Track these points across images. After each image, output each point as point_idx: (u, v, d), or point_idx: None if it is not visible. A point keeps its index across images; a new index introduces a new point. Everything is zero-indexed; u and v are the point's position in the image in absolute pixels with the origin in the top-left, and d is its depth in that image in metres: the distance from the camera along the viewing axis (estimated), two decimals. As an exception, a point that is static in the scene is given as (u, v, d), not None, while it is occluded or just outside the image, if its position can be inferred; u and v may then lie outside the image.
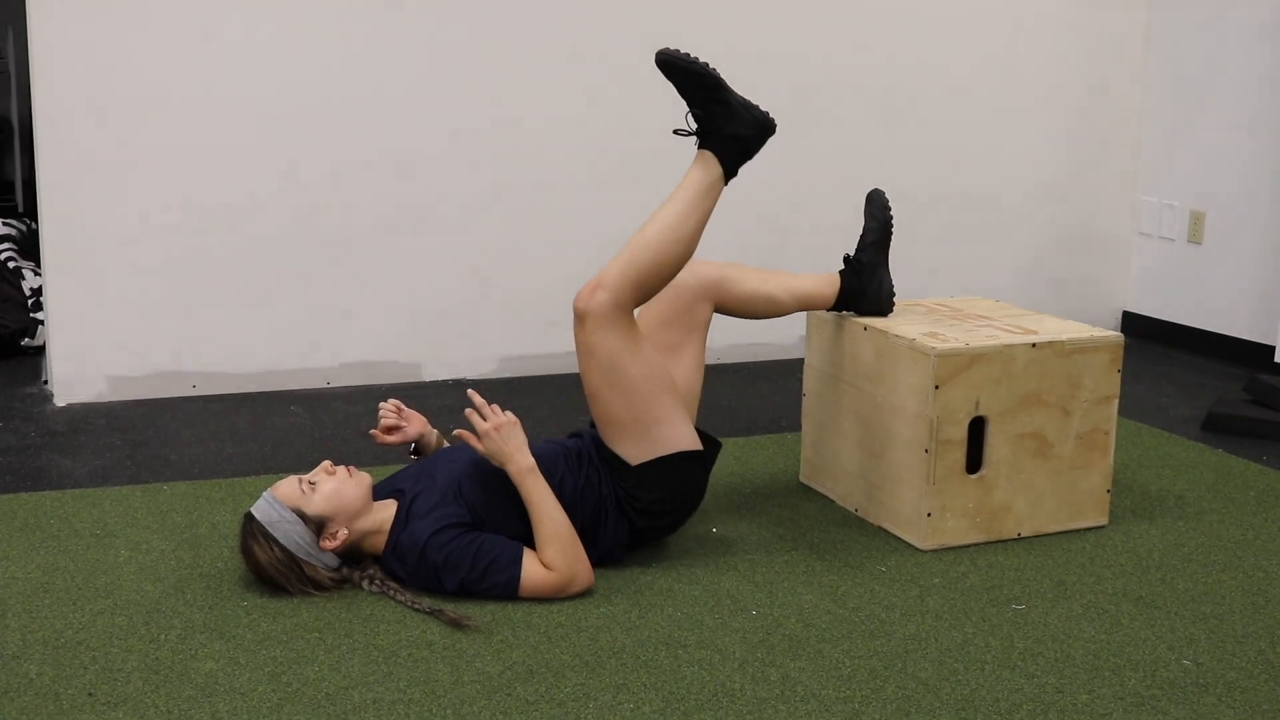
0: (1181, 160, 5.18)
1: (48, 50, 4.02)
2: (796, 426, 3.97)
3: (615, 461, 2.89)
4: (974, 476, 3.11)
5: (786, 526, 3.24)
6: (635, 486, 2.88)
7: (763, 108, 2.95)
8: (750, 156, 2.96)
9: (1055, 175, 5.27)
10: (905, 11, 4.90)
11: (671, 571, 2.94)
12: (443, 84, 4.41)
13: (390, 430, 3.06)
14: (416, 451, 3.13)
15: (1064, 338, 3.16)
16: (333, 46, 4.29)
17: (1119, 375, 3.22)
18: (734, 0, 4.64)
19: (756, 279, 3.14)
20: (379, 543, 2.80)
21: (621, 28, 4.48)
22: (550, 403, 4.28)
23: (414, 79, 4.38)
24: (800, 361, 4.65)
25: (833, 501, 3.41)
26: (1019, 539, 3.18)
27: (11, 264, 4.98)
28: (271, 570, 2.72)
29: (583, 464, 2.91)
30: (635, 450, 2.87)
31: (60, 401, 4.19)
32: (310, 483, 2.75)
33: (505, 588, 2.72)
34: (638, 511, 2.89)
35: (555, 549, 2.74)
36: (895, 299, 3.35)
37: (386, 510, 2.82)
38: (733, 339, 4.82)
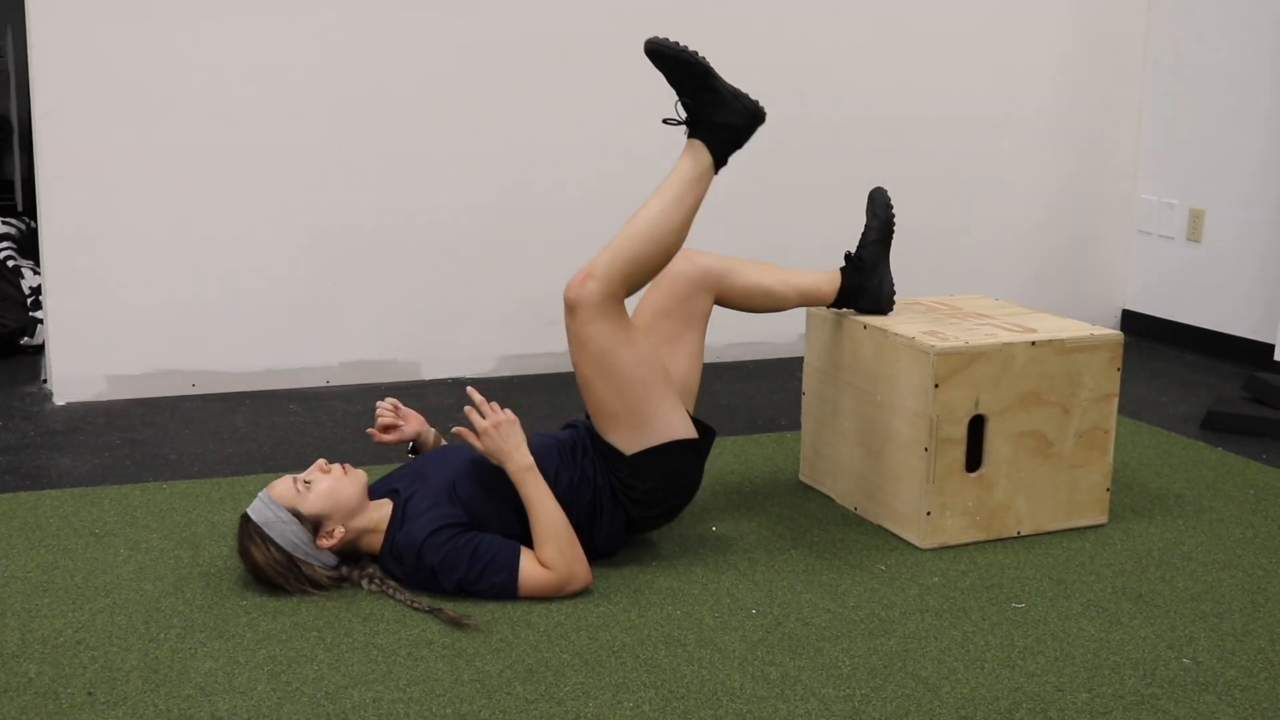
0: (1181, 158, 5.18)
1: (47, 50, 4.01)
2: (796, 425, 3.97)
3: (610, 452, 2.88)
4: (974, 475, 3.11)
5: (786, 525, 3.24)
6: (630, 476, 2.87)
7: (752, 96, 2.94)
8: (740, 145, 2.95)
9: (1054, 173, 5.27)
10: (905, 10, 4.90)
11: (671, 570, 2.94)
12: (443, 85, 4.41)
13: (387, 429, 3.06)
14: (414, 450, 3.13)
15: (1064, 336, 3.16)
16: (334, 46, 4.28)
17: (1118, 374, 3.22)
18: (733, 0, 4.66)
19: (757, 272, 3.14)
20: (375, 542, 2.80)
21: (622, 27, 4.48)
22: (549, 401, 4.28)
23: (415, 80, 4.38)
24: (800, 360, 4.65)
25: (832, 500, 3.41)
26: (1019, 537, 3.18)
27: (11, 263, 4.98)
28: (270, 571, 2.72)
29: (577, 456, 2.90)
30: (629, 440, 2.86)
31: (59, 400, 4.19)
32: (305, 482, 2.75)
33: (503, 587, 2.72)
34: (633, 501, 2.89)
35: (553, 548, 2.74)
36: (896, 298, 3.35)
37: (382, 509, 2.82)
38: (732, 337, 4.82)
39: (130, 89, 4.11)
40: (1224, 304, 5.03)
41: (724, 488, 3.49)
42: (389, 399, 3.09)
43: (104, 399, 4.22)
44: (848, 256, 3.27)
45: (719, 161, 2.93)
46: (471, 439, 2.80)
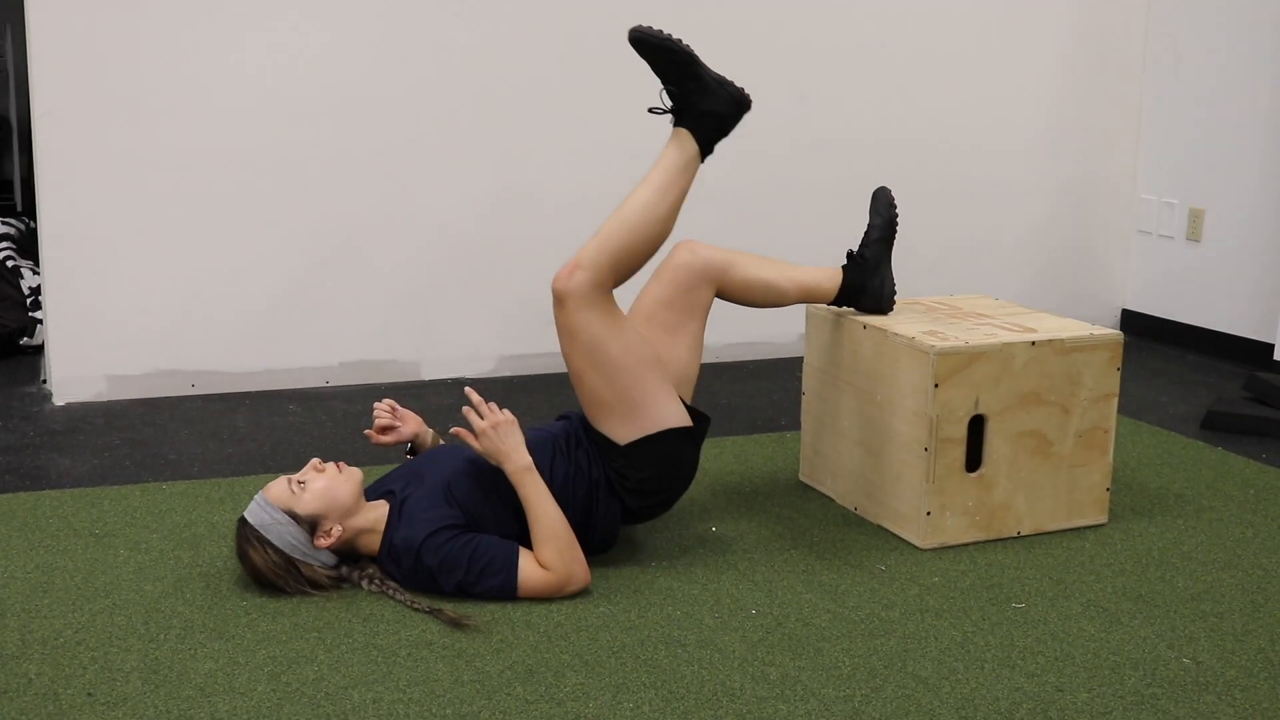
0: (1180, 158, 5.18)
1: (47, 49, 4.01)
2: (796, 425, 3.97)
3: (604, 442, 2.88)
4: (973, 475, 3.11)
5: (786, 525, 3.24)
6: (625, 466, 2.87)
7: (737, 84, 2.94)
8: (726, 133, 2.95)
9: (1054, 173, 5.27)
10: (905, 9, 4.90)
11: (671, 571, 2.94)
12: (443, 86, 4.41)
13: (385, 430, 3.06)
14: (412, 451, 3.12)
15: (1063, 336, 3.16)
16: (334, 47, 4.28)
17: (1118, 373, 3.22)
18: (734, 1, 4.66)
19: (759, 266, 3.13)
20: (373, 543, 2.80)
21: (623, 27, 4.47)
22: (549, 401, 4.28)
23: (414, 79, 4.38)
24: (799, 360, 4.65)
25: (832, 500, 3.41)
26: (1018, 537, 3.18)
27: (10, 263, 4.98)
28: (268, 573, 2.72)
29: (571, 448, 2.90)
30: (623, 430, 2.86)
31: (59, 401, 4.18)
32: (300, 482, 2.74)
33: (502, 589, 2.72)
34: (629, 491, 2.88)
35: (552, 549, 2.74)
36: (896, 298, 3.35)
37: (379, 510, 2.81)
38: (732, 337, 4.82)
39: (130, 89, 4.10)
40: (1224, 304, 5.03)
41: (724, 488, 3.48)
42: (386, 400, 3.09)
43: (104, 399, 4.22)
44: (850, 255, 3.26)
45: (705, 150, 2.93)
46: (470, 440, 2.80)
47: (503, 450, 2.77)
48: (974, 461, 3.13)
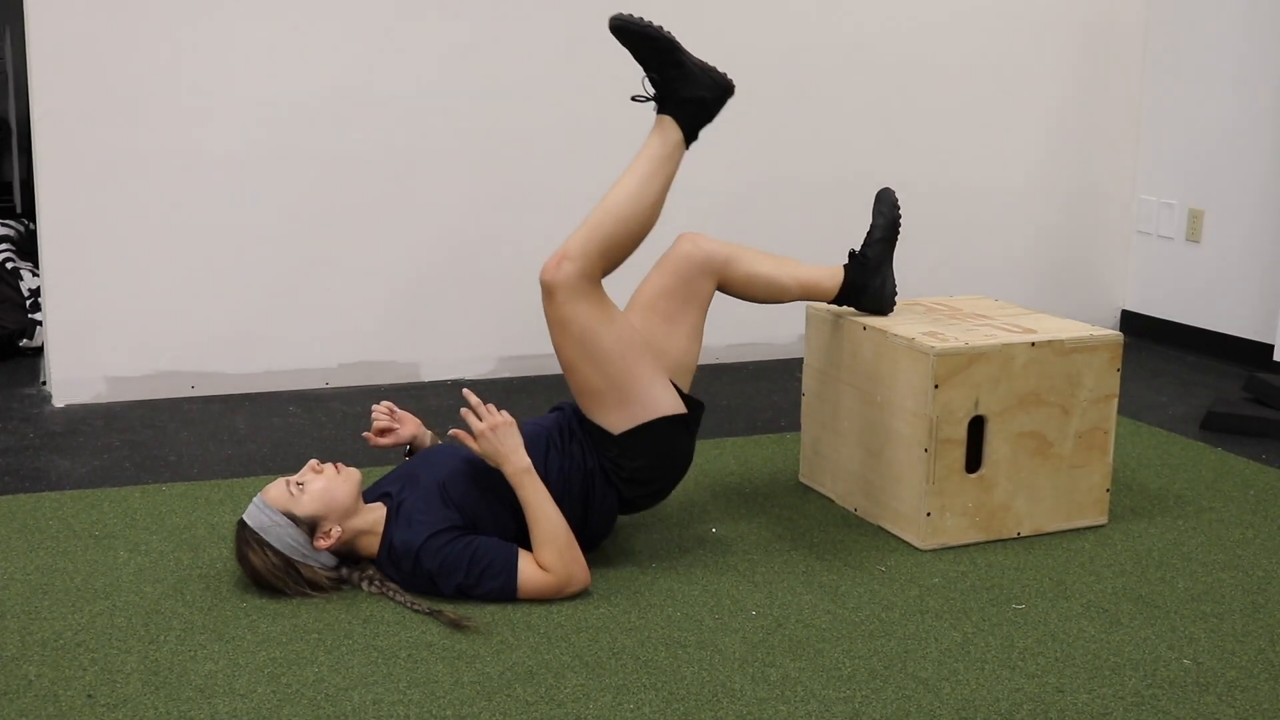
0: (1180, 158, 5.18)
1: (47, 50, 4.01)
2: (796, 426, 3.97)
3: (598, 432, 2.88)
4: (973, 476, 3.11)
5: (786, 526, 3.24)
6: (620, 456, 2.86)
7: (720, 69, 2.94)
8: (710, 119, 2.95)
9: (1054, 173, 5.27)
10: (905, 7, 4.90)
11: (671, 571, 2.94)
12: (443, 85, 4.41)
13: (383, 433, 3.05)
14: (411, 453, 3.12)
15: (1063, 337, 3.16)
16: (331, 46, 4.28)
17: (1118, 374, 3.22)
18: (732, -1, 4.66)
19: (761, 261, 3.12)
20: (372, 545, 2.80)
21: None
22: (549, 402, 4.27)
23: (414, 79, 4.38)
24: (799, 361, 4.64)
25: (832, 501, 3.41)
26: (1019, 538, 3.18)
27: (10, 265, 4.98)
28: (268, 575, 2.72)
29: (565, 440, 2.90)
30: (616, 419, 2.86)
31: (59, 402, 4.18)
32: (299, 484, 2.74)
33: (502, 591, 2.72)
34: (625, 480, 2.88)
35: (552, 550, 2.74)
36: (897, 298, 3.34)
37: (377, 512, 2.81)
38: (732, 338, 4.82)
39: (129, 90, 4.10)
40: (1224, 304, 5.03)
41: (724, 489, 3.48)
42: (384, 402, 3.09)
43: (103, 401, 4.22)
44: (852, 254, 3.26)
45: (689, 136, 2.93)
46: (469, 442, 2.79)
47: (501, 452, 2.77)
48: (974, 462, 3.13)
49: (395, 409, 3.08)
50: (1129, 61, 5.29)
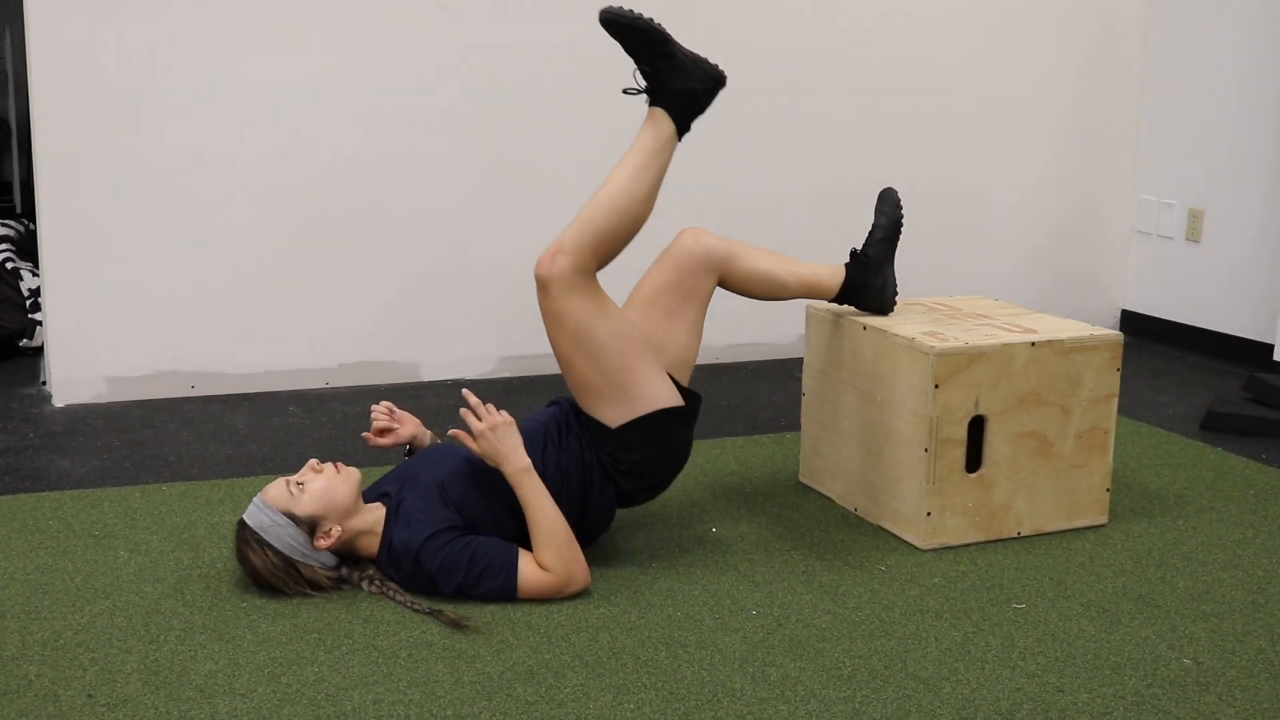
0: (1180, 158, 5.18)
1: (46, 50, 4.01)
2: (796, 426, 3.97)
3: (595, 426, 2.87)
4: (974, 476, 3.11)
5: (786, 526, 3.24)
6: (618, 449, 2.86)
7: (712, 60, 2.93)
8: (702, 111, 2.95)
9: (1054, 173, 5.27)
10: (903, 7, 4.90)
11: (671, 571, 2.94)
12: (443, 85, 4.41)
13: (383, 433, 3.05)
14: (410, 453, 3.12)
15: (1063, 336, 3.16)
16: (332, 46, 4.28)
17: (1118, 374, 3.22)
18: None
19: (762, 258, 3.12)
20: (372, 545, 2.80)
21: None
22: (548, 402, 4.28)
23: (414, 79, 4.38)
24: (799, 361, 4.64)
25: (832, 501, 3.41)
26: (1019, 538, 3.18)
27: (10, 265, 4.98)
28: (269, 575, 2.72)
29: (562, 435, 2.90)
30: (613, 413, 2.85)
31: (59, 402, 4.18)
32: (298, 484, 2.74)
33: (502, 591, 2.72)
34: (623, 474, 2.88)
35: (552, 550, 2.74)
36: (898, 298, 3.34)
37: (377, 512, 2.81)
38: (732, 338, 4.82)
39: (129, 90, 4.10)
40: (1224, 304, 5.03)
41: (724, 488, 3.48)
42: (384, 402, 3.09)
43: (103, 401, 4.22)
44: (854, 253, 3.26)
45: (682, 128, 2.93)
46: (468, 441, 2.79)
47: (501, 452, 2.77)
48: (974, 462, 3.13)
49: (395, 409, 3.08)
50: (1129, 61, 5.29)
